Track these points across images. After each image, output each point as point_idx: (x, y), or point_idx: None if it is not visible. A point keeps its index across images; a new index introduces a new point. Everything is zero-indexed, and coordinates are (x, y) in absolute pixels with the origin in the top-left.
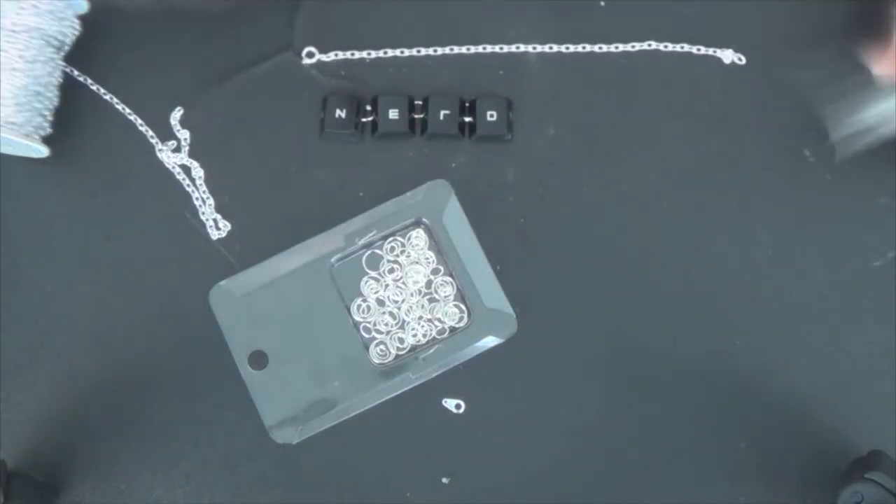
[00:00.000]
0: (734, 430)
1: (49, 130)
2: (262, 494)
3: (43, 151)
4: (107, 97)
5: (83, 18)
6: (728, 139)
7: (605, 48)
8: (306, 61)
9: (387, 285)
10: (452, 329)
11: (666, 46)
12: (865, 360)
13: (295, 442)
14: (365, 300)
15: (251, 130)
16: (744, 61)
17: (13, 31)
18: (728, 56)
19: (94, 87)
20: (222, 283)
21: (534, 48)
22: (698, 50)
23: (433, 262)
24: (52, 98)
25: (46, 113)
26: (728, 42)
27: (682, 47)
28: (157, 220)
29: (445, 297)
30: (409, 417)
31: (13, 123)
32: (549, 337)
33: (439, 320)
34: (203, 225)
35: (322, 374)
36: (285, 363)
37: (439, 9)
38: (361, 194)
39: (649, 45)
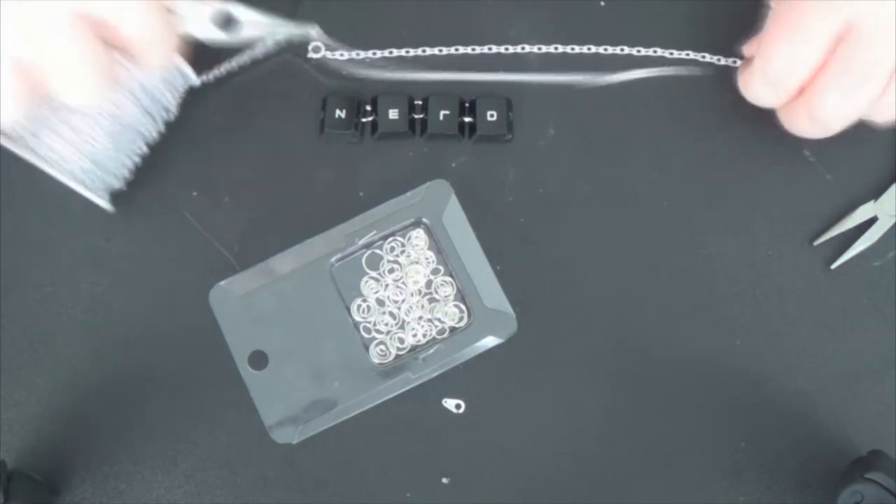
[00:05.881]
0: (734, 430)
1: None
2: (262, 494)
3: (107, 207)
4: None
5: None
6: (728, 139)
7: (610, 50)
8: (307, 60)
9: (387, 285)
10: (452, 329)
11: (672, 54)
12: (865, 360)
13: (295, 442)
14: (365, 300)
15: (251, 130)
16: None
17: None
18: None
19: None
20: (222, 283)
21: (539, 48)
22: (703, 57)
23: (433, 262)
24: (131, 156)
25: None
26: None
27: (688, 54)
28: (158, 219)
29: (445, 297)
30: (409, 417)
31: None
32: (549, 337)
33: (439, 320)
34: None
35: (322, 374)
36: (285, 363)
37: (437, 8)
38: (361, 194)
39: (654, 51)
